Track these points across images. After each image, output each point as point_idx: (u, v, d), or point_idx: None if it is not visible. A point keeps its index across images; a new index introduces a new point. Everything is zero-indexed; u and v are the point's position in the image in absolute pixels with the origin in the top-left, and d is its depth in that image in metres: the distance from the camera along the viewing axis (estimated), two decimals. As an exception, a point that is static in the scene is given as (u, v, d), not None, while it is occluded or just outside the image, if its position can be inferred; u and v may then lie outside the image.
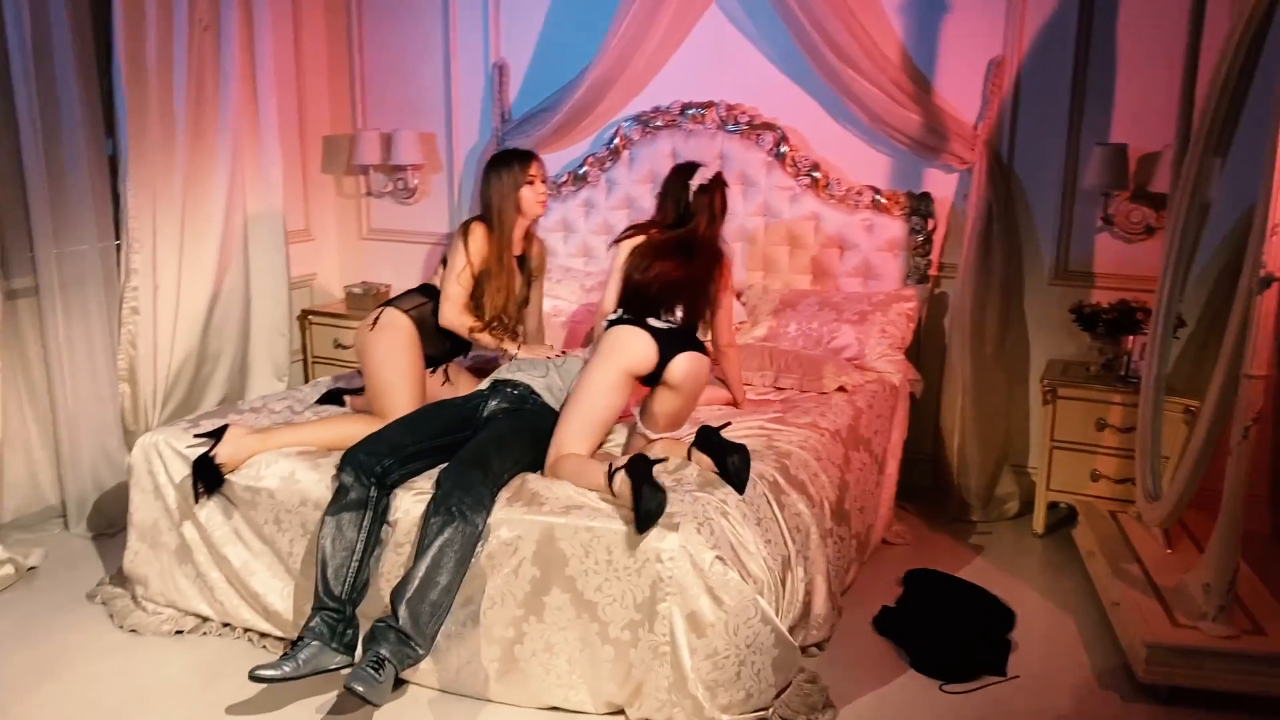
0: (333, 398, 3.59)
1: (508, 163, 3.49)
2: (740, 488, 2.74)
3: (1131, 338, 3.81)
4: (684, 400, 3.08)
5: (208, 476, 3.03)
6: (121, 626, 3.22)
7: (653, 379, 3.06)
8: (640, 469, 2.61)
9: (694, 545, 2.49)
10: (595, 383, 3.03)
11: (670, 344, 3.04)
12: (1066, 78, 3.94)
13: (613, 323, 3.13)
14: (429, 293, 3.50)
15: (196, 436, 3.13)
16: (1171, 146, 3.62)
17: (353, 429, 3.13)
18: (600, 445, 3.10)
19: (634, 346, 3.04)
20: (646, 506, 2.52)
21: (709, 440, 2.84)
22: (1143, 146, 3.84)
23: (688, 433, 3.03)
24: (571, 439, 2.96)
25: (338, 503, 2.78)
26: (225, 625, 3.17)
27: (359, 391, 3.54)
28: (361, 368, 3.36)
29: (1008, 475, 4.20)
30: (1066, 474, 3.86)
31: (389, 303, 3.46)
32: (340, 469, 2.82)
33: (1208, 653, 2.77)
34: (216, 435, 3.08)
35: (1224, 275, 3.72)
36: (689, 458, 2.91)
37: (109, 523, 3.92)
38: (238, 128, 4.38)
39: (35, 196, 3.73)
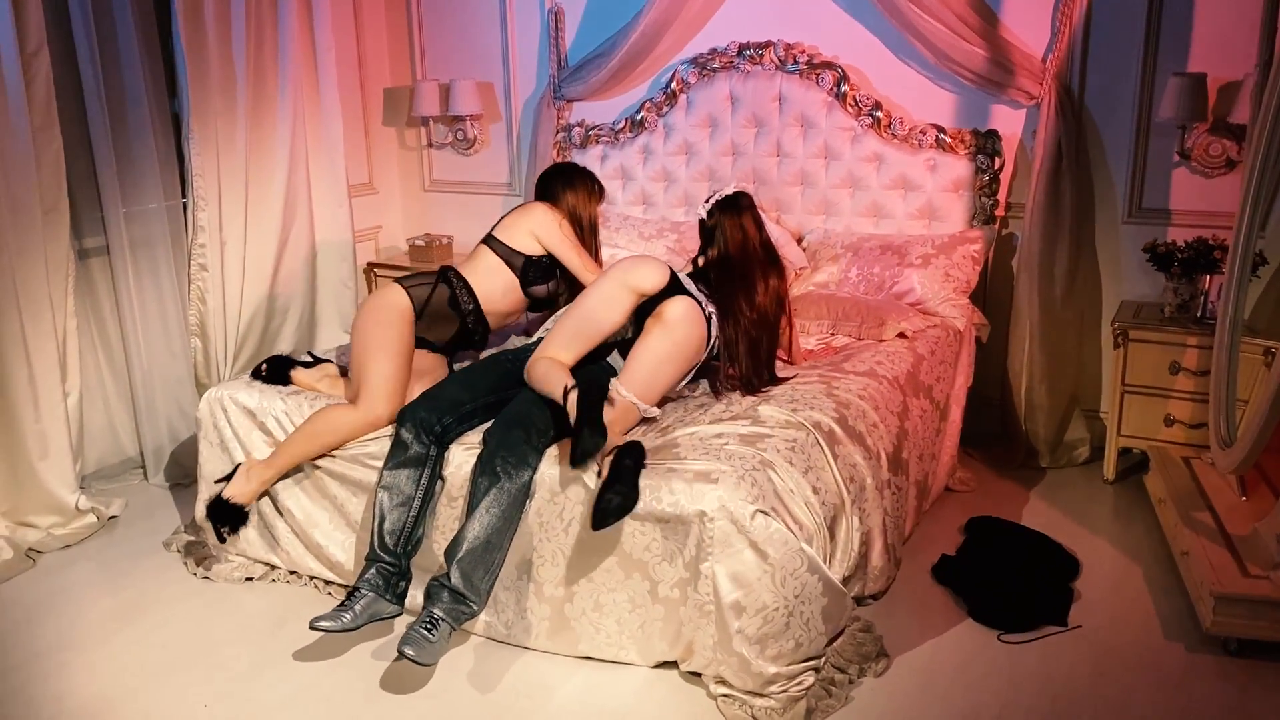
0: (279, 367, 3.41)
1: (592, 180, 3.63)
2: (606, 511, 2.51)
3: (1209, 277, 3.65)
4: (669, 352, 2.91)
5: (228, 518, 3.13)
6: (195, 573, 3.35)
7: (649, 306, 2.97)
8: (590, 403, 2.58)
9: (733, 501, 2.48)
10: (595, 292, 3.00)
11: (683, 289, 2.98)
12: (1141, 4, 3.74)
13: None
14: (446, 277, 3.39)
15: (216, 482, 3.23)
16: (1252, 75, 3.44)
17: (340, 427, 3.04)
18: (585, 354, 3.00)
19: (645, 266, 3.00)
20: (583, 447, 2.53)
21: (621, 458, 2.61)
22: (1223, 75, 3.64)
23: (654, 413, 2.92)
24: (558, 343, 2.93)
25: (395, 458, 2.83)
26: (291, 573, 3.27)
27: (311, 364, 3.45)
28: (351, 339, 3.26)
29: (1078, 420, 4.09)
30: (1139, 419, 3.74)
31: (399, 279, 3.40)
32: (400, 425, 2.86)
33: (1277, 604, 2.68)
34: (225, 480, 3.18)
35: (1310, 210, 3.54)
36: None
37: (185, 473, 4.05)
38: (297, 83, 4.41)
39: (102, 158, 3.83)
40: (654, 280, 2.98)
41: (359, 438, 3.03)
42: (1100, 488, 3.86)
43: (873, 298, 3.90)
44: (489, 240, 3.51)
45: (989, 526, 3.48)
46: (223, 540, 3.20)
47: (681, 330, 2.92)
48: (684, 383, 3.10)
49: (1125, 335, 3.69)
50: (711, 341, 3.07)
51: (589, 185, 3.62)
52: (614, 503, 2.47)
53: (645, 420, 2.92)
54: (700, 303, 3.01)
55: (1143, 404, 3.72)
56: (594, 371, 2.96)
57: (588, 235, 3.60)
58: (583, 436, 2.54)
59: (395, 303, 3.24)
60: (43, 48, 3.48)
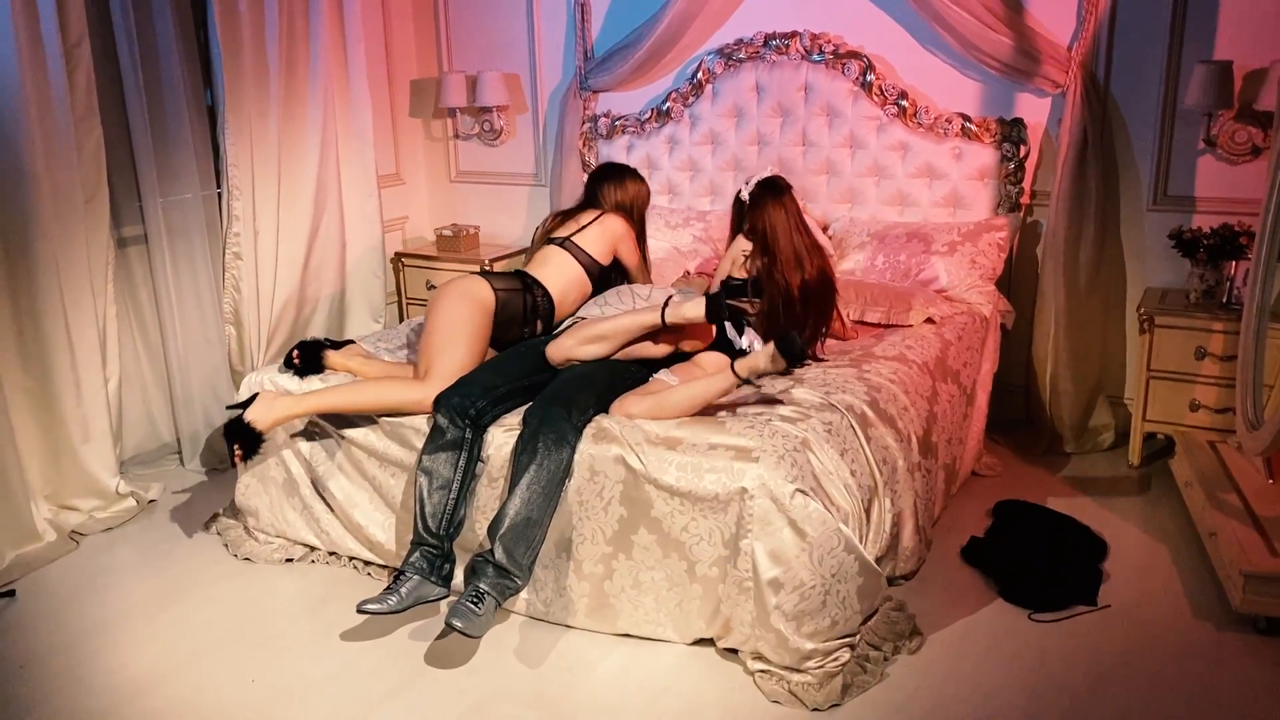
0: (312, 351, 3.38)
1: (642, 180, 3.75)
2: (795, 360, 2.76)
3: (1234, 263, 3.68)
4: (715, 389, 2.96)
5: (243, 438, 3.08)
6: (236, 555, 3.41)
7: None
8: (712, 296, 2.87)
9: (774, 480, 2.53)
10: (636, 315, 3.09)
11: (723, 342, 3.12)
12: (1168, -9, 3.78)
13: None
14: (526, 282, 3.41)
15: (229, 408, 3.22)
16: (1279, 61, 3.47)
17: (397, 395, 3.10)
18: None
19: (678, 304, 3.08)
20: (717, 305, 2.85)
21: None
22: (1249, 63, 3.67)
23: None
24: (588, 326, 3.09)
25: (434, 443, 2.88)
26: (331, 554, 3.33)
27: (340, 345, 3.45)
28: (427, 317, 3.28)
29: (1103, 406, 4.12)
30: (1164, 404, 3.78)
31: (485, 274, 3.44)
32: (436, 411, 2.91)
33: (1307, 582, 2.72)
34: (248, 404, 3.14)
35: (1336, 196, 3.56)
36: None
37: (221, 459, 4.12)
38: (327, 75, 4.47)
39: (140, 148, 3.90)
40: (696, 331, 3.09)
41: (408, 412, 3.07)
42: (1126, 472, 3.90)
43: (899, 284, 3.94)
44: (568, 246, 3.51)
45: (1016, 509, 3.52)
46: (232, 464, 3.19)
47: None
48: None
49: (1151, 321, 3.72)
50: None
51: (642, 184, 3.73)
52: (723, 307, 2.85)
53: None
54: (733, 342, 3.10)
55: (1168, 389, 3.76)
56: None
57: (641, 233, 3.71)
58: (721, 303, 2.87)
59: (482, 296, 3.26)
60: (84, 39, 3.55)
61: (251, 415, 3.09)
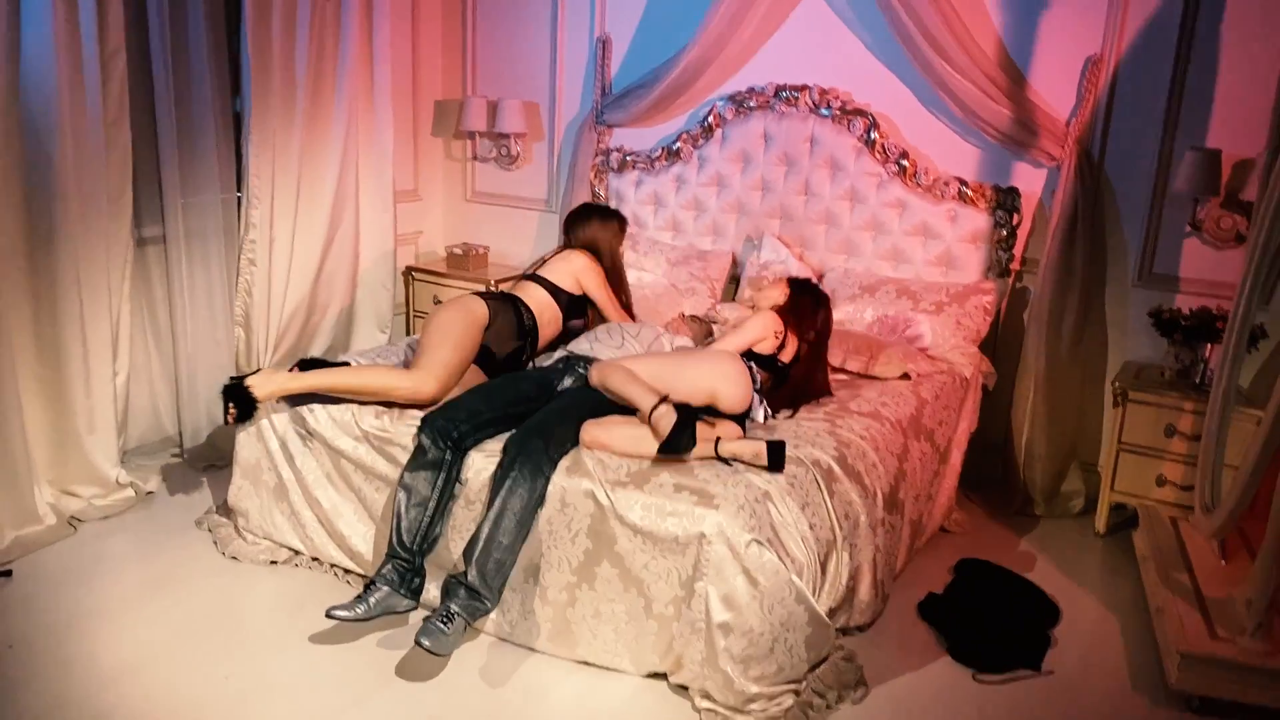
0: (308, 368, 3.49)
1: (621, 220, 4.03)
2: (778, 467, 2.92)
3: (1209, 346, 3.79)
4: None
5: (239, 399, 3.25)
6: (224, 553, 3.56)
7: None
8: (688, 415, 2.91)
9: (732, 529, 2.65)
10: (694, 369, 3.21)
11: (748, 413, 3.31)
12: (1165, 79, 3.89)
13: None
14: (515, 301, 3.69)
15: (232, 378, 3.34)
16: (1263, 153, 3.57)
17: (386, 379, 3.31)
18: None
19: (738, 390, 3.20)
20: (676, 439, 2.88)
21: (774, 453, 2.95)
22: (1238, 152, 3.79)
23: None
24: (646, 368, 3.16)
25: (415, 461, 3.03)
26: (314, 559, 3.47)
27: (337, 364, 3.56)
28: (424, 326, 3.54)
29: (1075, 472, 4.23)
30: (1132, 477, 3.88)
31: (479, 293, 3.71)
32: (420, 431, 3.06)
33: (1240, 666, 2.82)
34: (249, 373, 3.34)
35: (1312, 288, 3.67)
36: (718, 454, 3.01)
37: (219, 456, 4.27)
38: (353, 91, 4.63)
39: (166, 152, 4.06)
40: (736, 407, 3.20)
41: (396, 398, 3.28)
42: (1091, 540, 4.00)
43: (884, 338, 4.06)
44: (534, 278, 3.83)
45: (977, 568, 3.63)
46: (227, 422, 3.33)
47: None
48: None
49: (1125, 395, 3.83)
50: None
51: (614, 224, 3.99)
52: (683, 444, 2.90)
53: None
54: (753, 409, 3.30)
55: (1137, 463, 3.86)
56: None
57: (611, 267, 3.92)
58: (684, 435, 2.89)
59: (476, 310, 3.54)
60: (121, 49, 3.72)
61: (252, 381, 3.27)
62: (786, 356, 3.53)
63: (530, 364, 3.71)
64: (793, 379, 3.53)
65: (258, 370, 3.40)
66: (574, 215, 4.05)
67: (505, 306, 3.65)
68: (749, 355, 3.44)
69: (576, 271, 3.83)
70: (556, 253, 3.96)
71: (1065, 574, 3.70)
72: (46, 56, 3.47)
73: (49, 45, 3.46)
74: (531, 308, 3.71)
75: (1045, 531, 4.06)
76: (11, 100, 3.43)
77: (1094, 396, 4.22)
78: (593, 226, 3.95)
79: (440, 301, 5.19)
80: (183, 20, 4.00)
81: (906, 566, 3.59)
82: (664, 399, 2.99)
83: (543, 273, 3.85)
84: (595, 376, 3.19)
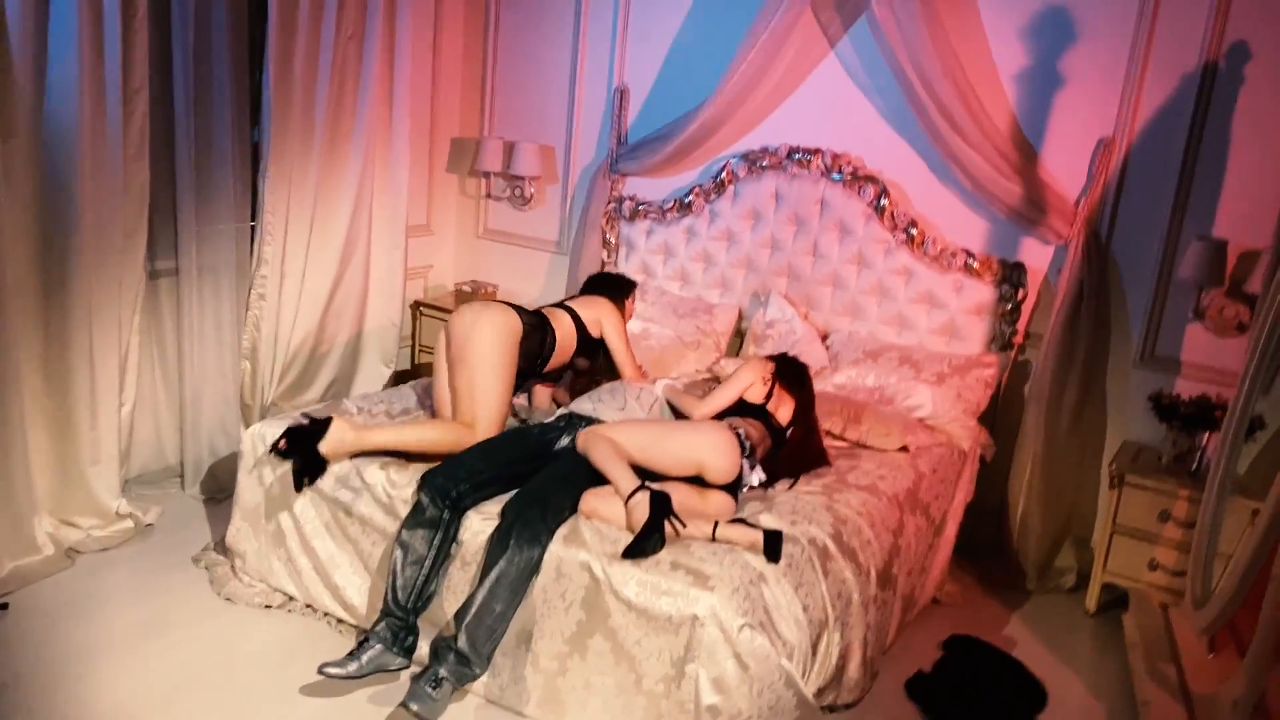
0: (304, 443, 3.32)
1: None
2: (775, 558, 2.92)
3: (1207, 434, 3.81)
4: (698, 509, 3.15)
5: (310, 464, 3.26)
6: (219, 594, 3.58)
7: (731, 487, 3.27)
8: (661, 508, 2.86)
9: (725, 612, 2.67)
10: (683, 440, 3.24)
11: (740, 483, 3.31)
12: (1175, 166, 3.93)
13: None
14: (544, 321, 3.70)
15: (294, 427, 3.30)
16: (1269, 248, 3.61)
17: (446, 435, 3.36)
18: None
19: (725, 461, 3.21)
20: (642, 545, 2.81)
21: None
22: (1244, 243, 3.82)
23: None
24: (626, 436, 3.18)
25: (414, 519, 3.05)
26: (308, 606, 3.49)
27: (325, 422, 3.33)
28: (456, 344, 3.46)
29: (1068, 547, 4.25)
30: (1125, 559, 3.90)
31: (508, 304, 3.67)
32: (419, 489, 3.09)
33: (1222, 770, 2.84)
34: (321, 425, 3.28)
35: (1312, 382, 3.69)
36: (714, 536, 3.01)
37: (220, 488, 4.30)
38: (371, 130, 4.68)
39: (183, 187, 4.09)
40: (723, 477, 3.21)
41: (458, 449, 3.31)
42: (1081, 619, 4.01)
43: (885, 406, 4.09)
44: (568, 309, 3.85)
45: (966, 646, 3.65)
46: (299, 489, 3.32)
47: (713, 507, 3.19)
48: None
49: (1121, 479, 3.86)
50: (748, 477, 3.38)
51: (632, 294, 4.11)
52: (648, 547, 2.83)
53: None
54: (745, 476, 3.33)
55: (1130, 546, 3.88)
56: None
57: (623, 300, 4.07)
58: (650, 540, 2.83)
59: (513, 328, 3.53)
60: (144, 86, 3.76)
61: (326, 448, 3.25)
62: (783, 417, 3.57)
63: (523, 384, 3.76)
64: (791, 441, 3.56)
65: (328, 421, 3.29)
66: (602, 279, 4.17)
67: (537, 330, 3.64)
68: (742, 409, 3.54)
69: (602, 316, 3.87)
70: (579, 296, 4.01)
71: (1054, 653, 3.72)
72: (70, 94, 3.51)
73: (73, 83, 3.50)
74: (558, 336, 3.71)
75: (1036, 606, 4.08)
76: (34, 136, 3.47)
77: (1091, 473, 4.25)
78: (620, 293, 4.06)
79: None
80: (207, 56, 4.04)
81: (896, 640, 3.61)
82: (641, 487, 2.97)
83: (574, 305, 3.87)
84: (580, 443, 3.20)
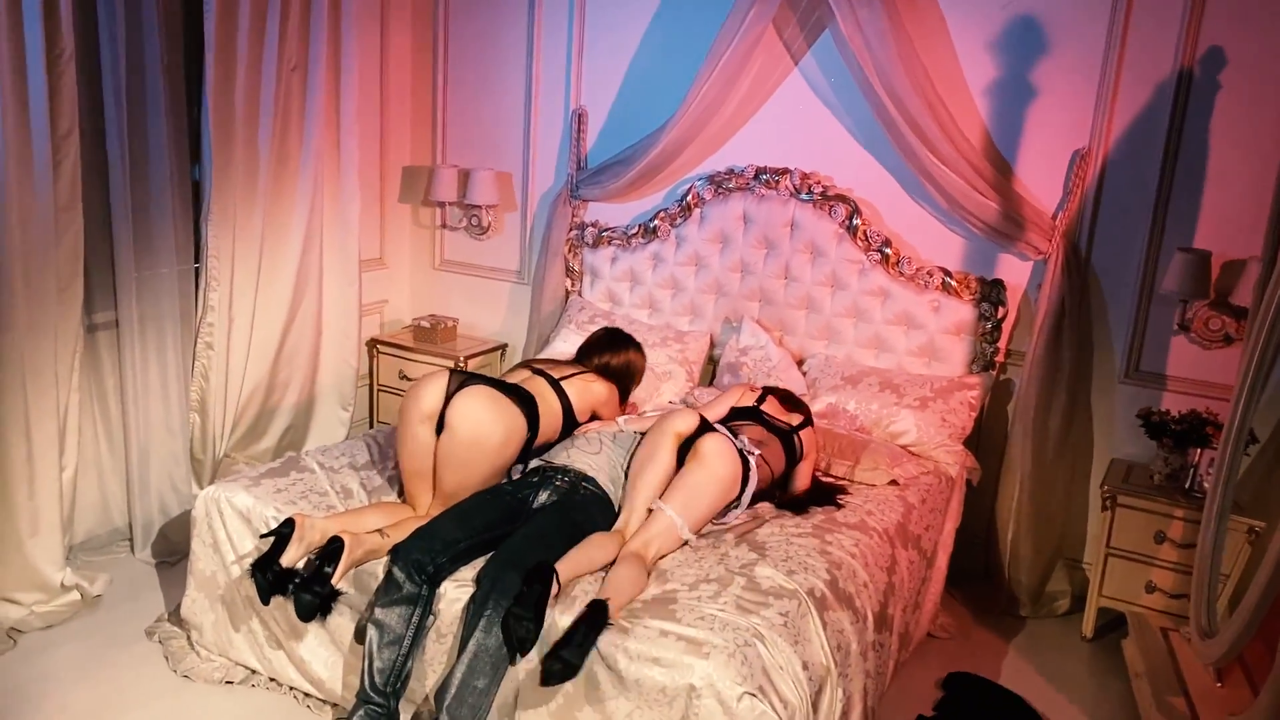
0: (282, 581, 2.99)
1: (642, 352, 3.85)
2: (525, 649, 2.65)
3: (1200, 450, 3.71)
4: (705, 480, 3.12)
5: (279, 580, 2.95)
6: (176, 670, 3.35)
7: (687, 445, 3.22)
8: (594, 622, 2.61)
9: (722, 681, 2.50)
10: (645, 449, 3.23)
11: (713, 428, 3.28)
12: (1153, 176, 3.83)
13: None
14: (533, 414, 3.31)
15: (262, 537, 3.09)
16: (1258, 260, 3.51)
17: (412, 524, 3.08)
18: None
19: (681, 413, 3.28)
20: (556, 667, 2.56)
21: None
22: (1227, 253, 3.73)
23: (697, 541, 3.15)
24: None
25: (389, 596, 2.84)
26: (272, 680, 3.27)
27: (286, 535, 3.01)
28: (471, 455, 3.15)
29: (1060, 572, 4.14)
30: (1121, 582, 3.79)
31: (509, 392, 3.28)
32: (393, 564, 2.86)
33: (1245, 813, 2.72)
34: (284, 528, 3.00)
35: (1303, 394, 3.61)
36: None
37: (172, 550, 4.06)
38: (319, 163, 4.46)
39: (120, 226, 3.83)
40: (689, 423, 3.22)
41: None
42: (1078, 644, 3.90)
43: (868, 436, 3.95)
44: (556, 387, 3.45)
45: (966, 684, 3.52)
46: (268, 602, 3.01)
47: (716, 462, 3.16)
48: (733, 515, 3.33)
49: (1114, 500, 3.75)
50: (748, 475, 3.27)
51: (642, 356, 3.86)
52: (555, 669, 2.55)
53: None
54: (733, 440, 3.27)
55: (1126, 568, 3.77)
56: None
57: (626, 383, 3.78)
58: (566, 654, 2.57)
59: (520, 433, 3.23)
60: (74, 130, 3.52)
61: (291, 560, 2.96)
62: (790, 420, 3.58)
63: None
64: (804, 449, 3.54)
65: (335, 547, 2.91)
66: (610, 342, 3.75)
67: (532, 425, 3.28)
68: (734, 415, 3.55)
69: (596, 405, 3.56)
70: (573, 370, 3.59)
71: (1054, 684, 3.60)
72: (-8, 143, 3.28)
73: (-4, 132, 3.27)
74: (540, 426, 3.31)
75: (1032, 634, 3.96)
76: (-47, 190, 3.23)
77: (1080, 495, 4.14)
78: (631, 354, 3.75)
79: (409, 379, 5.02)
80: (141, 94, 3.80)
81: (893, 681, 3.46)
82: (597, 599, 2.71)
83: (567, 387, 3.47)
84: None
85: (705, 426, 3.30)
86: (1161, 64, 3.76)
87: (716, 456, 3.17)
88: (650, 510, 3.09)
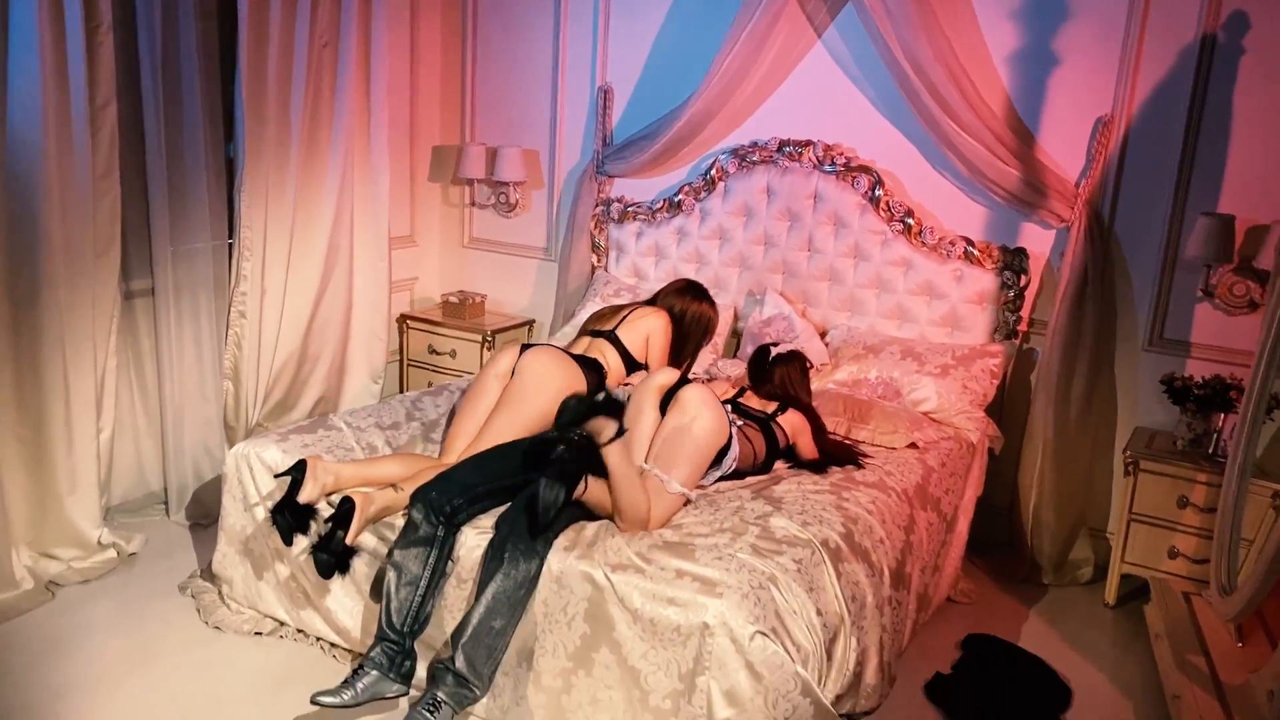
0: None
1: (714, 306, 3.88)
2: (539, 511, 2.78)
3: (1223, 416, 3.70)
4: (688, 430, 3.11)
5: (298, 520, 3.07)
6: (207, 622, 3.43)
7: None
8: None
9: (735, 620, 2.54)
10: (636, 414, 3.22)
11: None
12: (1176, 142, 3.82)
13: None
14: (600, 376, 3.53)
15: (276, 476, 3.19)
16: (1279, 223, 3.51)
17: (429, 471, 3.15)
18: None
19: (665, 372, 3.31)
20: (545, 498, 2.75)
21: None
22: (1251, 218, 3.71)
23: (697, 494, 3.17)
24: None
25: (406, 538, 2.91)
26: (299, 632, 3.35)
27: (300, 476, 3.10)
28: (531, 395, 3.32)
29: (1083, 540, 4.13)
30: (1144, 548, 3.78)
31: (571, 354, 3.51)
32: (411, 505, 2.94)
33: (1262, 764, 2.71)
34: (296, 471, 3.10)
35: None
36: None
37: (205, 513, 4.16)
38: (349, 139, 4.54)
39: (156, 203, 3.95)
40: (669, 376, 3.27)
41: None
42: (1101, 611, 3.89)
43: (889, 402, 3.97)
44: (613, 340, 3.65)
45: (986, 645, 3.52)
46: (289, 544, 3.14)
47: (698, 409, 3.15)
48: (713, 478, 3.28)
49: (1136, 465, 3.74)
50: (732, 429, 3.28)
51: (713, 308, 3.88)
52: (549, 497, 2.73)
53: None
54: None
55: (1148, 534, 3.76)
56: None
57: (688, 339, 3.81)
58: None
59: (579, 385, 3.39)
60: (111, 101, 3.62)
61: (307, 497, 3.06)
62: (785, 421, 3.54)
63: None
64: (792, 432, 3.52)
65: (346, 509, 2.99)
66: (685, 289, 3.85)
67: (590, 380, 3.47)
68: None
69: (650, 330, 3.67)
70: (632, 309, 3.77)
71: (1075, 649, 3.59)
72: (34, 111, 3.38)
73: (36, 100, 3.37)
74: (609, 377, 3.54)
75: (1053, 601, 3.95)
76: (-4, 155, 3.34)
77: (1104, 463, 4.13)
78: (705, 306, 3.81)
79: (438, 352, 5.10)
80: (175, 68, 3.91)
81: (912, 641, 3.48)
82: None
83: (620, 333, 3.66)
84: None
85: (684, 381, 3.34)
86: (1184, 30, 3.75)
87: (699, 403, 3.15)
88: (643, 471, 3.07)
